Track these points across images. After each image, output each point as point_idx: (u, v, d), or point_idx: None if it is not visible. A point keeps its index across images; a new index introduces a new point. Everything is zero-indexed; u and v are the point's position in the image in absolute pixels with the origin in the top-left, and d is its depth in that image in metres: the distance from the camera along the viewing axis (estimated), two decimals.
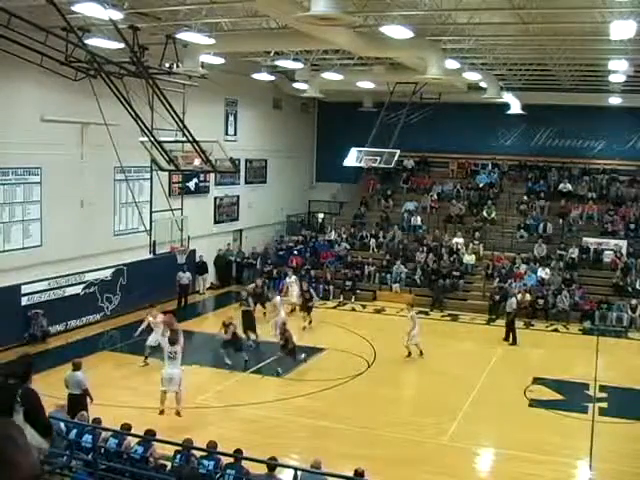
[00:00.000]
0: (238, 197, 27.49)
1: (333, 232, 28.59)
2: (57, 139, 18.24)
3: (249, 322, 18.56)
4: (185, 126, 14.58)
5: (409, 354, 18.02)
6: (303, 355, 17.19)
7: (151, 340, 16.49)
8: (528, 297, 22.95)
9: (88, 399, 12.27)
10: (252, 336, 18.33)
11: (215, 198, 26.12)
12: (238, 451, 9.70)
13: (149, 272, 21.31)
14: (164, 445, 10.17)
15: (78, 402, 11.97)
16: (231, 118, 26.59)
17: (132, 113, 13.89)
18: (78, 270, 19.65)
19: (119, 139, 16.21)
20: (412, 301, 24.26)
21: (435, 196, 29.28)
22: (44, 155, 18.00)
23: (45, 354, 17.48)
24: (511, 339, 20.02)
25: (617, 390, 16.05)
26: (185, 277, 22.75)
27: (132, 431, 10.24)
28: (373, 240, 27.49)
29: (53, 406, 10.51)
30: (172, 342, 13.65)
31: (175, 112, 14.44)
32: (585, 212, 26.80)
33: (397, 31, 14.55)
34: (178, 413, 13.20)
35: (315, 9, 10.34)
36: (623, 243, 25.08)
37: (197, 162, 15.67)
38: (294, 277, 23.62)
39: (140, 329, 17.11)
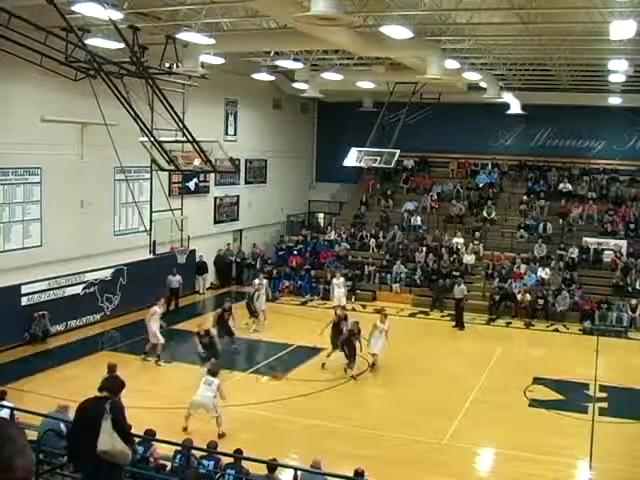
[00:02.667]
0: (238, 197, 27.49)
1: (333, 232, 28.60)
2: (57, 139, 18.24)
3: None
4: (185, 126, 14.58)
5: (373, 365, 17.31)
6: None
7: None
8: (528, 297, 22.99)
9: None
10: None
11: (215, 198, 26.12)
12: (238, 451, 9.71)
13: (149, 272, 21.33)
14: (164, 445, 10.16)
15: None
16: (231, 118, 26.60)
17: (132, 113, 13.89)
18: (78, 270, 19.64)
19: (119, 139, 16.19)
20: (413, 301, 24.37)
21: (435, 196, 29.27)
22: (44, 155, 18.00)
23: (45, 354, 17.50)
24: (460, 324, 21.53)
25: (617, 390, 16.04)
26: (175, 280, 22.19)
27: (132, 431, 10.22)
28: (373, 240, 27.49)
29: (56, 406, 10.51)
30: (214, 373, 13.22)
31: (175, 112, 14.43)
32: (585, 212, 26.80)
33: (397, 31, 14.54)
34: (221, 435, 12.56)
35: (315, 9, 10.34)
36: (623, 243, 25.08)
37: (197, 162, 15.68)
38: (342, 279, 23.25)
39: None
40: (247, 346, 19.69)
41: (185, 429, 12.57)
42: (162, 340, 17.15)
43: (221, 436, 12.48)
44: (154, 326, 17.09)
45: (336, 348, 16.92)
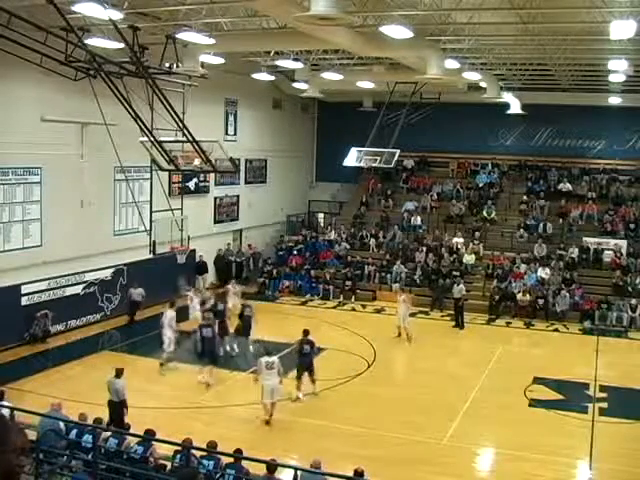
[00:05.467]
0: (238, 197, 27.50)
1: (333, 232, 28.60)
2: (57, 139, 18.24)
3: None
4: (185, 126, 14.57)
5: (399, 334, 19.28)
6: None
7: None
8: (528, 297, 22.99)
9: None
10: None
11: (215, 198, 26.13)
12: (238, 451, 9.70)
13: (149, 272, 21.31)
14: (164, 445, 10.16)
15: (116, 410, 11.95)
16: (231, 118, 26.60)
17: (132, 113, 13.89)
18: (78, 270, 19.64)
19: (119, 139, 16.21)
20: (413, 301, 24.37)
21: (435, 196, 29.29)
22: (44, 155, 18.01)
23: (45, 354, 17.49)
24: (460, 324, 21.67)
25: (617, 390, 16.04)
26: (136, 293, 20.49)
27: (132, 431, 10.24)
28: (373, 240, 27.50)
29: (50, 406, 10.52)
30: (268, 352, 13.93)
31: (175, 112, 14.43)
32: (585, 212, 26.80)
33: (397, 31, 14.54)
34: (268, 422, 13.29)
35: (315, 9, 10.34)
36: (623, 243, 25.08)
37: (197, 162, 15.67)
38: (237, 287, 20.79)
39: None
40: (247, 346, 19.66)
41: (268, 422, 13.29)
42: (171, 348, 16.45)
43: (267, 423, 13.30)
44: (169, 332, 16.43)
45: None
